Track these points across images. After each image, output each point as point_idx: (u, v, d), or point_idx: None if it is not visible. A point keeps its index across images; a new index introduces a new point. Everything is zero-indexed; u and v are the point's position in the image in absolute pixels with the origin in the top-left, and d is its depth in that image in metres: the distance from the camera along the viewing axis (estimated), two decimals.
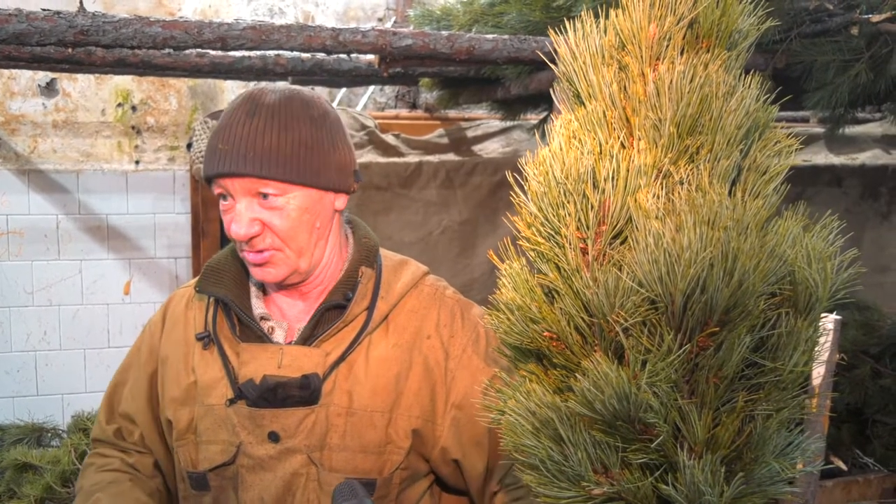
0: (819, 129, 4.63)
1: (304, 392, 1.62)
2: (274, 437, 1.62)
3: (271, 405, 1.62)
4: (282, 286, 1.71)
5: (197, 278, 1.78)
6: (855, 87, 2.82)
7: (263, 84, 1.65)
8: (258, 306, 1.72)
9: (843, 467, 3.36)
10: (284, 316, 1.73)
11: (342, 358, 1.65)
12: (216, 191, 1.62)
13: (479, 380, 1.64)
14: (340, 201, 1.68)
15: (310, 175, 1.59)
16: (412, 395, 1.66)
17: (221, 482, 1.68)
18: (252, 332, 1.68)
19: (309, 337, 1.67)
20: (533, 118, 4.39)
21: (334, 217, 1.69)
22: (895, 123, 3.23)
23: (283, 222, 1.59)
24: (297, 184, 1.58)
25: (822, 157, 4.94)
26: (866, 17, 2.77)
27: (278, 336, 1.70)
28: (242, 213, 1.58)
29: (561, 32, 1.13)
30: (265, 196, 1.58)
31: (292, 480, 1.63)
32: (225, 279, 1.72)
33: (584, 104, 1.11)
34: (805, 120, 4.74)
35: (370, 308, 1.68)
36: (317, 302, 1.71)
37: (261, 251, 1.61)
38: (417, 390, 1.67)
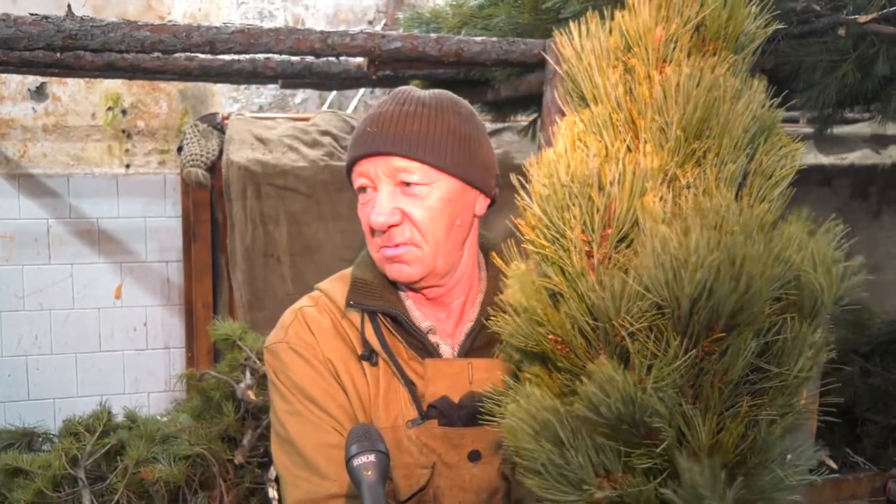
0: (808, 130, 4.64)
1: None
2: (475, 457, 1.57)
3: (471, 424, 1.54)
4: (417, 289, 1.61)
5: (311, 295, 1.68)
6: (843, 87, 2.82)
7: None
8: (421, 319, 1.62)
9: (834, 466, 3.38)
10: (440, 331, 1.64)
11: None
12: (357, 182, 1.55)
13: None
14: (481, 205, 1.61)
15: (456, 164, 1.52)
16: None
17: None
18: (422, 347, 1.59)
19: (469, 352, 1.60)
20: (523, 120, 4.38)
21: (473, 222, 1.62)
22: (884, 123, 3.24)
23: (425, 213, 1.51)
24: (443, 171, 1.51)
25: (811, 157, 4.94)
26: (853, 17, 2.77)
27: (445, 351, 1.61)
28: (384, 201, 1.51)
29: (565, 33, 1.13)
30: (408, 184, 1.51)
31: (490, 499, 1.58)
32: (379, 291, 1.61)
33: (588, 106, 1.11)
34: (794, 120, 4.75)
35: None
36: (459, 315, 1.65)
37: (397, 245, 1.53)
38: None
